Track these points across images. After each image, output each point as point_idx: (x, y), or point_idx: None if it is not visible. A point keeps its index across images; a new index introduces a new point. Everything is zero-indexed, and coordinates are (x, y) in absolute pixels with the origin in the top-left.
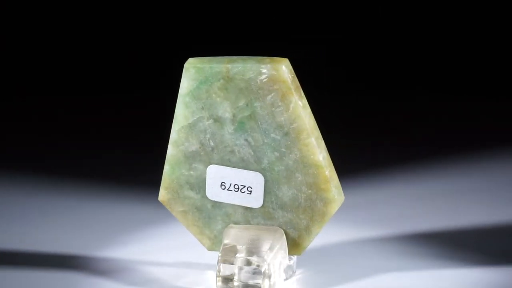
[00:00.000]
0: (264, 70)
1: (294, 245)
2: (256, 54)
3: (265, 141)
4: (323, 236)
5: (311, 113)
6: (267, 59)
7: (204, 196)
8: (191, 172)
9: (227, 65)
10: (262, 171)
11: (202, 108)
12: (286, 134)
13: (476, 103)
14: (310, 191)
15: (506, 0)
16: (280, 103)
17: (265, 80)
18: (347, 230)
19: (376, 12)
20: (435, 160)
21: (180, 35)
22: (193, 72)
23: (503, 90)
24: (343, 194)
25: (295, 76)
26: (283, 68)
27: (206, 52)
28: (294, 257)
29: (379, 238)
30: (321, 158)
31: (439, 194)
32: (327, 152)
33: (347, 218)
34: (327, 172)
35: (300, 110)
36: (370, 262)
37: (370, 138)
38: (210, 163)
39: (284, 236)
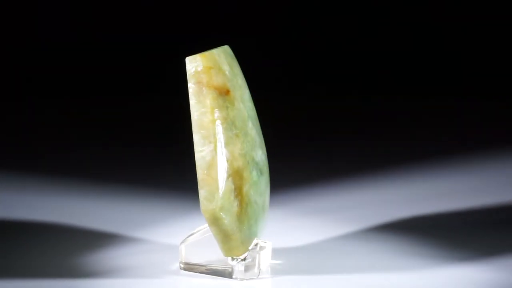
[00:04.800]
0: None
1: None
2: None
3: None
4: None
5: (211, 113)
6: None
7: None
8: None
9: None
10: None
11: None
12: None
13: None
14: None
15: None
16: None
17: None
18: (337, 229)
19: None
20: (434, 159)
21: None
22: None
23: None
24: (214, 205)
25: (206, 72)
26: (187, 62)
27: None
28: (257, 256)
29: (375, 238)
30: (207, 160)
31: (437, 194)
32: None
33: (342, 218)
34: (198, 175)
35: (191, 106)
36: (370, 262)
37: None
38: None
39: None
